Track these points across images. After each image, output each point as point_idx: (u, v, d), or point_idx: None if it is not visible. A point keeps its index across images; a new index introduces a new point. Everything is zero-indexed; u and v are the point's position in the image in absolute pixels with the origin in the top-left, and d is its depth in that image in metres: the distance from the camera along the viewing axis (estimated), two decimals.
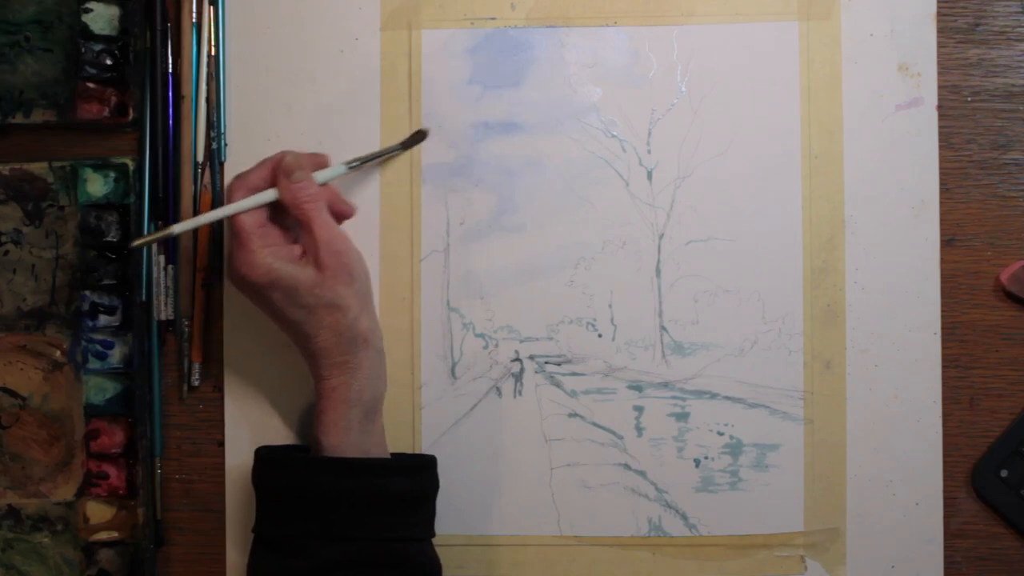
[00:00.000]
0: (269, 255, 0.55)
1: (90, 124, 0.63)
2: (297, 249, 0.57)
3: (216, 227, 0.63)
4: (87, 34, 0.62)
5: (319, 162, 0.59)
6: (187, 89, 0.63)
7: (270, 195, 0.56)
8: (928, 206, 0.62)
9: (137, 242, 0.56)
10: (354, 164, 0.60)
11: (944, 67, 0.62)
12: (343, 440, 0.55)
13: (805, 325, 0.62)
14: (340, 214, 0.59)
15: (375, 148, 0.63)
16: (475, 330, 0.63)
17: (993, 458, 0.62)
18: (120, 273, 0.62)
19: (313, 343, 0.56)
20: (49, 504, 0.62)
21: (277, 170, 0.56)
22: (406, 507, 0.56)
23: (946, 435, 0.62)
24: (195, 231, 0.62)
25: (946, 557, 0.62)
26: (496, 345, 0.63)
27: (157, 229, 0.62)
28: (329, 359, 0.56)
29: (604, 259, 0.63)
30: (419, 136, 0.62)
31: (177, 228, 0.57)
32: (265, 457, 0.57)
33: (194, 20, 0.63)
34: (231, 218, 0.56)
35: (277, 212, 0.57)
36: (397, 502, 0.55)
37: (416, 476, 0.57)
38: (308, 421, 0.63)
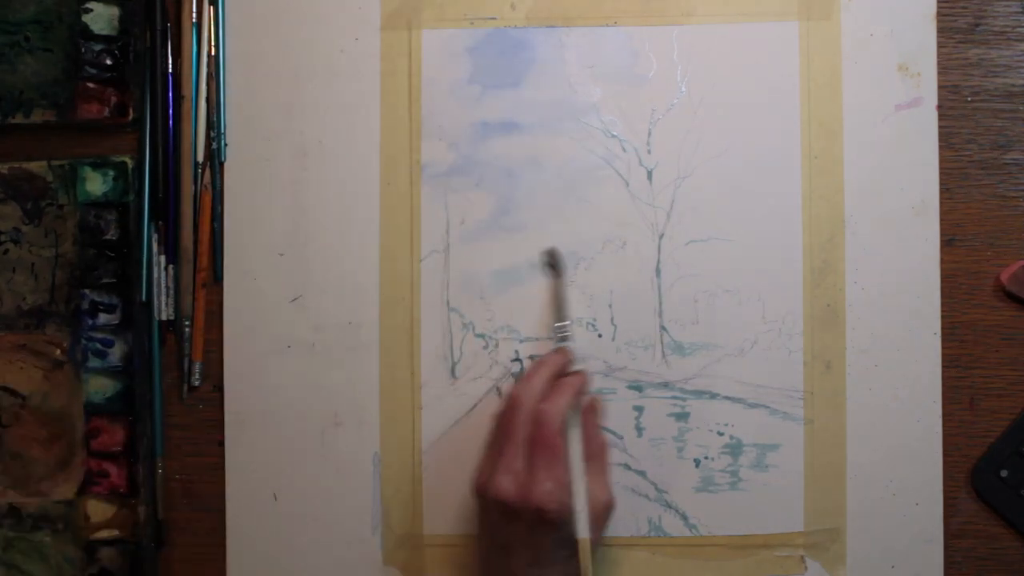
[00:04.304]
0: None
1: (90, 124, 0.63)
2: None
3: (216, 226, 0.63)
4: (87, 34, 0.62)
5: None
6: (187, 89, 0.63)
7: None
8: (928, 206, 0.62)
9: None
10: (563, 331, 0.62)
11: (944, 67, 0.62)
12: None
13: (805, 325, 0.62)
14: None
15: (375, 149, 0.63)
16: (475, 330, 0.63)
17: (993, 458, 0.61)
18: (119, 271, 0.62)
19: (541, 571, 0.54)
20: (50, 503, 0.62)
21: (589, 409, 0.59)
22: None
23: (946, 435, 0.62)
24: (195, 229, 0.63)
25: (946, 557, 0.62)
26: (496, 345, 0.63)
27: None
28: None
29: (604, 259, 0.63)
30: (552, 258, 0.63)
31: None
32: None
33: (194, 20, 0.63)
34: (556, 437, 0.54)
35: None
36: None
37: None
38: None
